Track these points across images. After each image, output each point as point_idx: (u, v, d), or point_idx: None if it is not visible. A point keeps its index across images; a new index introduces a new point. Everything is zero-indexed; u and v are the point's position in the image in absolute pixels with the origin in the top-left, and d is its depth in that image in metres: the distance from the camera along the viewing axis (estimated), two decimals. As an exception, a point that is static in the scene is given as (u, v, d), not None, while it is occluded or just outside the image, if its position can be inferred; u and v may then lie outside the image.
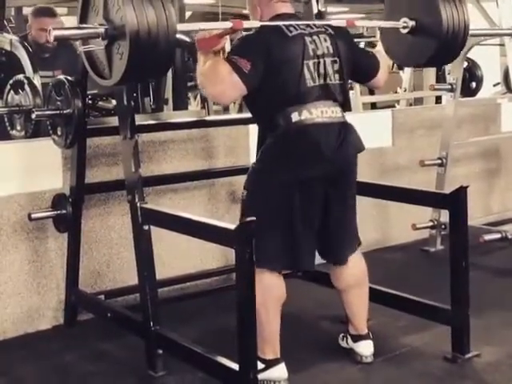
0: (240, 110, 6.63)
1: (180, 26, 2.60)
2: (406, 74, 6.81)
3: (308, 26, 2.97)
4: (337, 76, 2.97)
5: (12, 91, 3.77)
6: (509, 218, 5.05)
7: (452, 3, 3.23)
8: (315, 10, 3.64)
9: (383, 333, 3.39)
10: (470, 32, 4.32)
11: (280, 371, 2.91)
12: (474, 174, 5.38)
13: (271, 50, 2.84)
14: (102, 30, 2.53)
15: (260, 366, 2.80)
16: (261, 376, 2.76)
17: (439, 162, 4.78)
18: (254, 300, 2.59)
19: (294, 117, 2.87)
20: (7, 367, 3.20)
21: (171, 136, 4.07)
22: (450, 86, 4.77)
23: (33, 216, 3.45)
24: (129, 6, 2.41)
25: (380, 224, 4.82)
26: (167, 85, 5.84)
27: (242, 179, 4.16)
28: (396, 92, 7.85)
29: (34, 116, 3.41)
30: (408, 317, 3.43)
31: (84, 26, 2.60)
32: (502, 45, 6.39)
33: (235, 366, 2.63)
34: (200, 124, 4.24)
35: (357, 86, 6.04)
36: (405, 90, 6.76)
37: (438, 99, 7.23)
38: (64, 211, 3.47)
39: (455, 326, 3.17)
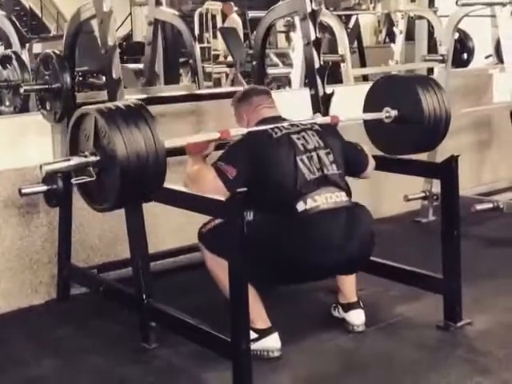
0: (232, 85, 6.61)
1: (168, 143, 2.63)
2: (398, 46, 6.79)
3: (293, 125, 3.06)
4: (334, 166, 3.00)
5: (0, 66, 3.75)
6: (500, 189, 5.06)
7: (432, 91, 3.36)
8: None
9: (375, 302, 3.42)
10: (461, 2, 4.35)
11: (273, 341, 2.93)
12: (465, 145, 5.38)
13: (257, 154, 2.92)
14: (92, 159, 2.55)
15: (253, 335, 2.81)
16: (254, 346, 2.78)
17: (431, 133, 4.77)
18: (246, 272, 2.60)
19: (300, 207, 2.88)
20: (1, 342, 3.20)
21: (162, 110, 4.04)
22: (441, 57, 4.77)
23: (23, 191, 3.42)
24: (116, 133, 2.44)
25: (372, 196, 4.81)
26: (158, 60, 5.81)
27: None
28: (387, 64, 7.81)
29: (22, 91, 3.40)
30: (400, 286, 3.45)
31: (74, 157, 2.60)
32: (493, 16, 6.37)
33: (228, 337, 2.64)
34: (191, 98, 4.23)
35: (348, 58, 6.00)
36: (396, 63, 6.74)
37: (430, 71, 7.21)
38: (55, 186, 3.45)
39: (447, 294, 3.18)
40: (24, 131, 3.58)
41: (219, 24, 10.94)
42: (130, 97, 3.72)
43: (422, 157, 4.64)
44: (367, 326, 3.16)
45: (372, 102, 3.47)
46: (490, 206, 4.36)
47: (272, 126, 3.02)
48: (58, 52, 3.36)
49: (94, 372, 2.91)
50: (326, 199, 2.93)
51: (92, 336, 3.24)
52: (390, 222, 4.86)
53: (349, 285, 3.19)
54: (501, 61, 6.47)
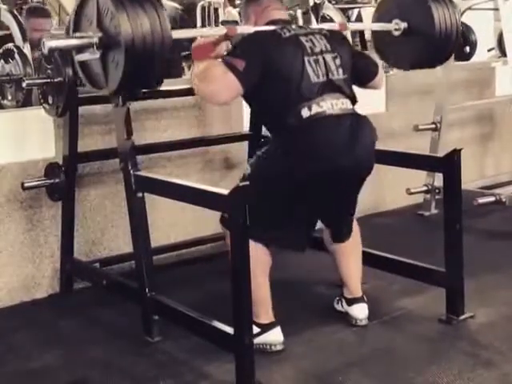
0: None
1: (175, 33, 2.56)
2: (400, 39, 6.76)
3: (302, 27, 3.00)
4: (340, 71, 2.94)
5: (2, 60, 3.75)
6: (502, 182, 5.06)
7: (443, 4, 3.21)
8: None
9: (378, 296, 3.42)
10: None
11: (275, 335, 2.93)
12: (468, 138, 5.38)
13: (267, 50, 2.84)
14: (96, 39, 2.48)
15: (256, 330, 2.81)
16: (256, 340, 2.77)
17: (433, 126, 4.78)
18: (249, 265, 2.60)
19: (305, 113, 2.82)
20: (3, 335, 3.21)
21: (164, 104, 4.05)
22: (443, 50, 4.74)
23: (26, 185, 3.44)
24: (123, 14, 2.36)
25: (375, 189, 4.81)
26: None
27: (235, 147, 4.20)
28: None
29: (24, 85, 3.38)
30: (403, 280, 3.45)
31: (78, 35, 2.54)
32: (496, 9, 6.35)
33: (230, 331, 2.64)
34: (193, 91, 4.20)
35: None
36: (399, 56, 6.72)
37: (433, 64, 7.19)
38: (57, 180, 3.47)
39: (450, 288, 3.18)
40: (26, 125, 3.58)
41: (221, 17, 10.91)
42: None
43: (425, 150, 4.65)
44: (370, 320, 3.17)
45: (381, 15, 3.35)
46: (493, 199, 4.35)
47: (280, 26, 2.94)
48: (60, 46, 3.35)
49: (97, 365, 2.92)
50: (331, 105, 2.86)
51: (94, 329, 3.25)
52: (393, 216, 4.86)
53: (354, 279, 3.19)
54: (503, 54, 6.46)
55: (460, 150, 3.14)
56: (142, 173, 3.10)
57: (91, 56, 2.51)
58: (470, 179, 4.82)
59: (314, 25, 3.08)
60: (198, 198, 2.87)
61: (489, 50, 7.69)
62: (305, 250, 3.09)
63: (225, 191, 2.62)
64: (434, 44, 3.19)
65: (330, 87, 2.89)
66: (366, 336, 3.09)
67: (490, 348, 2.93)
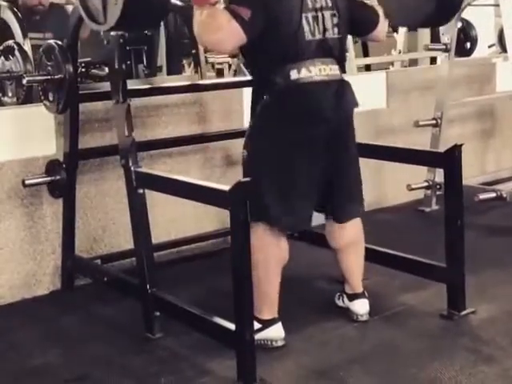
0: (234, 75, 6.59)
1: None
2: (401, 35, 6.75)
3: None
4: (336, 30, 2.95)
5: (2, 57, 3.74)
6: (503, 178, 5.05)
7: None
8: None
9: (379, 292, 3.42)
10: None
11: (276, 331, 2.93)
12: (468, 134, 5.37)
13: (269, 1, 2.81)
14: None
15: (257, 325, 2.81)
16: (258, 336, 2.78)
17: (434, 122, 4.76)
18: (250, 261, 2.60)
19: (293, 74, 2.86)
20: (5, 332, 3.21)
21: (164, 101, 4.04)
22: (444, 46, 4.74)
23: (27, 182, 3.44)
24: None
25: (375, 185, 4.81)
26: (161, 51, 5.79)
27: (236, 143, 4.18)
28: (390, 54, 7.79)
29: (24, 82, 3.38)
30: (404, 276, 3.44)
31: None
32: (496, 5, 6.34)
33: (232, 327, 2.64)
34: (193, 88, 4.21)
35: (351, 49, 5.98)
36: (399, 52, 6.71)
37: (433, 60, 7.19)
38: (58, 177, 3.47)
39: (451, 283, 3.18)
40: (27, 122, 3.57)
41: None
42: (133, 87, 3.74)
43: (425, 146, 4.65)
44: (371, 315, 3.17)
45: None
46: (494, 195, 4.35)
47: None
48: (60, 43, 3.35)
49: (98, 362, 2.92)
50: (319, 71, 2.90)
51: (96, 326, 3.25)
52: (394, 212, 4.86)
53: (356, 275, 3.19)
54: (504, 50, 6.46)
55: (461, 146, 3.14)
56: (143, 169, 3.10)
57: None
58: (471, 175, 4.82)
59: None
60: (198, 195, 2.88)
61: (489, 46, 7.69)
62: (310, 225, 3.07)
63: (226, 187, 2.62)
64: (440, 1, 3.18)
65: (322, 48, 2.91)
66: (367, 332, 3.09)
67: (491, 343, 2.94)
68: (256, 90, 3.05)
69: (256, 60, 2.95)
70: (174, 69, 6.56)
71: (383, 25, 3.21)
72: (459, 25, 5.81)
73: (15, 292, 3.57)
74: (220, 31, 2.76)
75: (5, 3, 4.45)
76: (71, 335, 3.19)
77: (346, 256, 3.17)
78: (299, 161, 2.91)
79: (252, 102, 3.05)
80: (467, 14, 6.08)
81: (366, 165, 4.38)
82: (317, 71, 2.90)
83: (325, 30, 2.91)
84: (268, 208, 2.87)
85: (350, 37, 5.99)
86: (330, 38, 2.93)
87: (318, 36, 2.90)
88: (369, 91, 4.76)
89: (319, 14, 2.90)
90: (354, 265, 3.18)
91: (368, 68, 6.86)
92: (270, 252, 2.91)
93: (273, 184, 2.88)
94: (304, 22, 2.86)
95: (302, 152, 2.91)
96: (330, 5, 2.94)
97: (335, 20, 2.94)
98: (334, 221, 3.13)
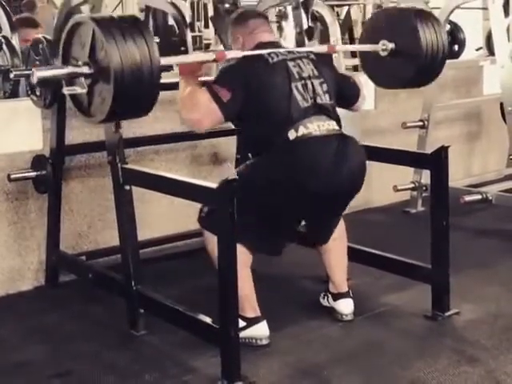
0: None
1: (164, 60, 2.57)
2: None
3: (290, 52, 3.02)
4: (327, 96, 2.98)
5: (-11, 51, 3.73)
6: (489, 180, 5.08)
7: (430, 25, 3.27)
8: None
9: (364, 292, 3.42)
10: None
11: (261, 329, 2.93)
12: (455, 136, 5.40)
13: (253, 78, 2.86)
14: (85, 69, 2.48)
15: (242, 324, 2.81)
16: (242, 334, 2.77)
17: (421, 124, 4.79)
18: (235, 259, 2.60)
19: (291, 134, 2.86)
20: (-11, 328, 3.20)
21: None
22: (432, 48, 4.75)
23: (12, 177, 3.42)
24: (112, 44, 2.37)
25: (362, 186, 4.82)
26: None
27: (224, 141, 4.19)
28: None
29: (12, 76, 3.36)
30: (389, 276, 3.46)
31: (67, 65, 2.54)
32: (485, 8, 6.37)
33: (216, 324, 2.64)
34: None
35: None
36: (388, 54, 6.72)
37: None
38: (44, 172, 3.45)
39: (435, 284, 3.20)
40: (13, 117, 3.55)
41: (210, 13, 10.89)
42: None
43: (413, 147, 4.66)
44: (356, 315, 3.17)
45: (369, 35, 3.38)
46: (479, 197, 4.36)
47: (268, 50, 2.96)
48: (48, 37, 3.33)
49: (82, 358, 2.91)
50: (318, 127, 2.90)
51: (80, 322, 3.24)
52: (380, 212, 4.88)
53: (340, 274, 3.20)
54: (491, 53, 6.50)
55: (447, 148, 3.15)
56: (130, 166, 3.09)
57: (79, 89, 2.52)
58: (457, 177, 4.85)
59: (304, 47, 3.11)
60: (186, 192, 2.87)
61: (477, 50, 7.72)
62: (280, 254, 3.11)
63: (213, 185, 2.62)
64: (421, 65, 3.27)
65: (317, 110, 2.93)
66: (351, 331, 3.10)
67: (475, 344, 2.95)
68: (246, 145, 3.05)
69: (250, 130, 2.91)
70: (163, 65, 6.53)
71: (363, 97, 3.28)
72: (447, 27, 5.85)
73: (-1, 287, 3.55)
74: (198, 111, 2.82)
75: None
76: (55, 331, 3.17)
77: (329, 255, 3.18)
78: (287, 212, 2.93)
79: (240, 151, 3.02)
80: (455, 16, 6.10)
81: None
82: (315, 127, 2.89)
83: (316, 96, 2.94)
84: (244, 232, 2.79)
85: (338, 30, 6.07)
86: (323, 103, 2.96)
87: (311, 102, 2.92)
88: (357, 92, 4.77)
89: (308, 82, 2.94)
90: (337, 264, 3.19)
91: (356, 69, 6.88)
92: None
93: (250, 220, 2.84)
94: (295, 91, 2.90)
95: (296, 201, 2.89)
96: (316, 74, 2.98)
97: (324, 87, 2.98)
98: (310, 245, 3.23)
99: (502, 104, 4.78)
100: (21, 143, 3.54)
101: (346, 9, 9.20)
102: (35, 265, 3.65)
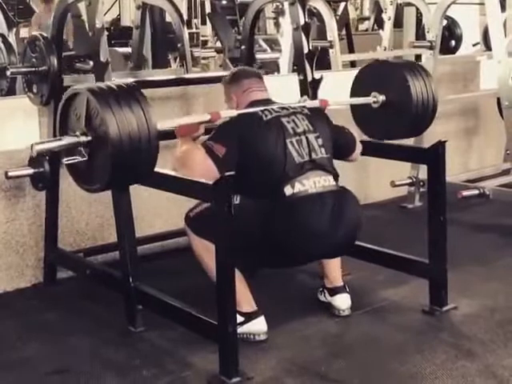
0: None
1: (161, 125, 2.59)
2: (386, 32, 6.78)
3: (284, 108, 3.05)
4: (323, 150, 3.01)
5: (-14, 49, 3.73)
6: (486, 175, 5.08)
7: (419, 77, 3.34)
8: None
9: (362, 287, 3.43)
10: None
11: (259, 324, 2.94)
12: (452, 131, 5.40)
13: (247, 134, 2.91)
14: (83, 139, 2.50)
15: (239, 319, 2.82)
16: (240, 329, 2.78)
17: (418, 119, 4.79)
18: (233, 255, 2.61)
19: (288, 190, 2.88)
20: (-13, 325, 3.20)
21: (150, 94, 3.97)
22: (429, 44, 4.77)
23: (10, 174, 3.41)
24: (109, 113, 2.40)
25: (359, 182, 4.83)
26: (146, 45, 5.78)
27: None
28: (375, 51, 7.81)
29: (8, 73, 3.37)
30: (387, 271, 3.46)
31: (65, 136, 2.56)
32: (481, 4, 6.37)
33: (214, 320, 2.65)
34: (179, 82, 4.20)
35: (336, 44, 5.99)
36: (385, 49, 6.74)
37: (418, 58, 7.22)
38: (41, 169, 3.44)
39: (433, 279, 3.20)
40: (10, 114, 3.56)
41: (208, 10, 10.89)
42: (118, 80, 3.72)
43: (409, 142, 4.66)
44: (353, 310, 3.18)
45: (360, 87, 3.47)
46: (476, 192, 4.38)
47: (262, 108, 3.01)
48: (45, 34, 3.34)
49: (80, 354, 2.91)
50: (314, 183, 2.93)
51: (78, 319, 3.24)
52: (377, 208, 4.87)
53: (334, 269, 3.21)
54: (488, 48, 6.50)
55: (444, 142, 3.16)
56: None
57: (80, 158, 2.54)
58: (455, 172, 4.85)
59: (295, 103, 3.14)
60: (182, 188, 2.87)
61: (474, 45, 7.74)
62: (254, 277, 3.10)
63: (212, 180, 2.62)
64: (411, 117, 3.34)
65: (313, 166, 2.96)
66: (349, 326, 3.11)
67: (472, 339, 2.96)
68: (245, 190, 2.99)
69: (245, 185, 2.86)
70: (160, 63, 6.55)
71: (358, 148, 3.29)
72: (444, 22, 5.85)
73: (-3, 284, 3.55)
74: (195, 168, 2.85)
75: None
76: (53, 328, 3.17)
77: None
78: (278, 256, 2.94)
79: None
80: (452, 12, 6.11)
81: (350, 161, 4.40)
82: (311, 184, 2.92)
83: (312, 151, 2.97)
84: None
85: (335, 26, 6.08)
86: (319, 157, 2.98)
87: (307, 157, 2.95)
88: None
89: (303, 137, 2.97)
90: (331, 259, 3.19)
91: (353, 64, 6.89)
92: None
93: (247, 241, 2.82)
94: (290, 147, 2.93)
95: (285, 256, 2.93)
96: (311, 128, 3.02)
97: (320, 141, 3.01)
98: None
99: (498, 99, 4.79)
100: (18, 140, 3.54)
101: (342, 5, 9.21)
102: (33, 262, 3.65)
